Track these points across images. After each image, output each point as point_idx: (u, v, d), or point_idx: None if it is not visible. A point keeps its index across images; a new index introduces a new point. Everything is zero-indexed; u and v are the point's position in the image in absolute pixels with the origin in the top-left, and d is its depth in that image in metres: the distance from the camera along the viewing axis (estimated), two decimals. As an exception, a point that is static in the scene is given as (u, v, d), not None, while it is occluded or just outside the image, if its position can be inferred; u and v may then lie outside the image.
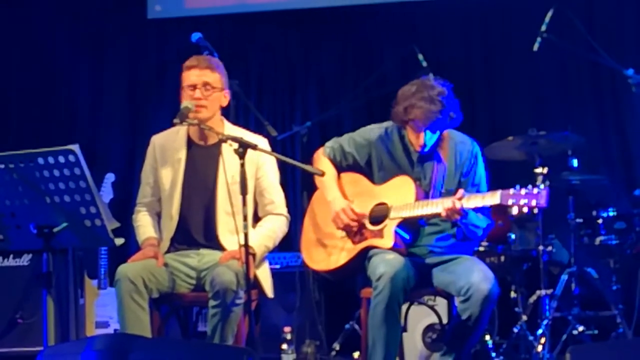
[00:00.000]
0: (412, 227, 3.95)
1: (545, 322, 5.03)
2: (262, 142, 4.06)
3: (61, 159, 3.48)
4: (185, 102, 3.99)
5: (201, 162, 4.11)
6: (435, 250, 4.02)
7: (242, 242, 3.64)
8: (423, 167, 4.03)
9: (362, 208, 4.03)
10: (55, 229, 3.59)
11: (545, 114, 6.17)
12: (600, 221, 5.30)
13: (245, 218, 3.62)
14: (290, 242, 5.36)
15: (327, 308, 5.54)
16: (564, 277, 5.18)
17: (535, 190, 3.63)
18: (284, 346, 5.21)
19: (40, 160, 3.49)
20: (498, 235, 5.29)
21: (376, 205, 4.01)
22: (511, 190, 3.68)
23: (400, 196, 3.93)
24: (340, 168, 4.17)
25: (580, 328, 5.06)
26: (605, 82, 6.21)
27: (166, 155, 4.13)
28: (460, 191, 3.80)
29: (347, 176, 4.17)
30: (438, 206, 3.80)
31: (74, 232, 3.62)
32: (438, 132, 3.97)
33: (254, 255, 3.88)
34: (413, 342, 5.19)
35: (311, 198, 4.30)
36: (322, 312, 5.47)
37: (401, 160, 4.06)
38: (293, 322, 5.43)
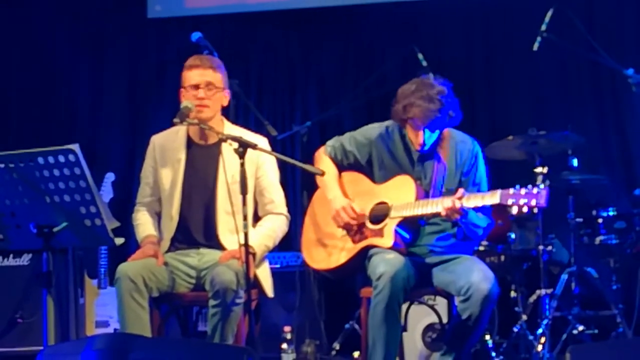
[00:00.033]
0: (412, 226, 3.96)
1: (545, 321, 5.03)
2: (262, 141, 4.06)
3: (61, 159, 3.48)
4: (185, 102, 3.99)
5: (201, 162, 4.11)
6: (435, 249, 4.02)
7: (242, 242, 3.64)
8: (423, 166, 4.03)
9: (363, 207, 4.03)
10: (55, 229, 3.59)
11: (545, 113, 6.17)
12: (600, 221, 5.30)
13: (245, 217, 3.63)
14: (290, 241, 5.36)
15: (327, 308, 5.54)
16: (564, 276, 5.18)
17: (535, 190, 3.63)
18: (284, 346, 5.21)
19: (40, 160, 3.49)
20: (498, 235, 5.29)
21: (376, 205, 4.01)
22: (511, 190, 3.68)
23: (401, 195, 3.93)
24: (341, 167, 4.18)
25: (580, 328, 5.06)
26: (605, 82, 6.21)
27: (166, 155, 4.13)
28: (460, 191, 3.80)
29: (347, 175, 4.17)
30: (438, 206, 3.80)
31: (74, 232, 3.62)
32: (438, 131, 3.97)
33: (254, 254, 3.88)
34: (413, 341, 5.19)
35: (311, 198, 4.30)
36: (322, 311, 5.47)
37: (402, 159, 4.06)
38: (293, 321, 5.43)
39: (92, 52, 6.81)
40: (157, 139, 4.20)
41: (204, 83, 4.04)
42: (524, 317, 5.20)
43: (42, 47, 6.74)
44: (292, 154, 6.24)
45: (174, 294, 4.00)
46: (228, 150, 3.89)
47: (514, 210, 3.68)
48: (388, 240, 3.89)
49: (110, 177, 5.75)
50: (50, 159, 3.49)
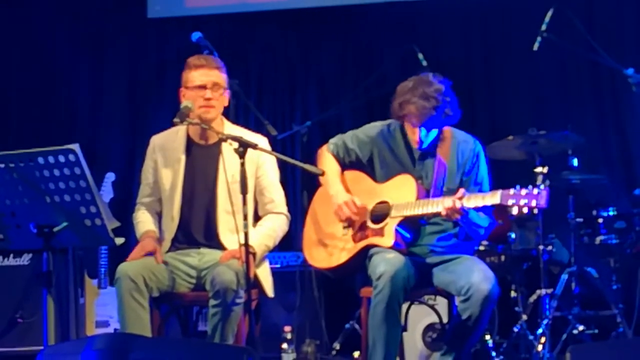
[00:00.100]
0: (413, 226, 3.96)
1: (545, 321, 5.03)
2: (261, 141, 4.06)
3: (61, 159, 3.48)
4: (185, 102, 3.99)
5: (201, 162, 4.11)
6: (436, 249, 4.02)
7: (243, 241, 3.64)
8: (424, 165, 4.03)
9: (364, 211, 4.03)
10: (56, 229, 3.59)
11: (545, 113, 6.17)
12: (600, 220, 5.30)
13: (245, 217, 3.63)
14: (290, 241, 5.37)
15: (327, 307, 5.54)
16: (564, 276, 5.18)
17: (536, 191, 3.63)
18: (284, 345, 5.21)
19: (41, 160, 3.49)
20: (498, 235, 5.29)
21: (377, 204, 4.01)
22: (511, 191, 3.68)
23: (402, 195, 3.93)
24: (343, 165, 4.18)
25: (581, 327, 5.06)
26: (605, 82, 6.21)
27: (166, 155, 4.13)
28: (461, 190, 3.80)
29: (349, 174, 4.18)
30: (439, 205, 3.80)
31: (74, 232, 3.62)
32: (436, 130, 3.97)
33: (254, 254, 3.88)
34: (413, 341, 5.19)
35: (311, 197, 4.31)
36: (322, 311, 5.47)
37: (403, 157, 4.07)
38: (293, 321, 5.43)
39: (92, 52, 6.81)
40: (156, 139, 4.20)
41: (211, 83, 4.03)
42: (524, 317, 5.20)
43: (42, 47, 6.74)
44: (292, 154, 6.24)
45: (175, 294, 4.00)
46: (228, 150, 3.89)
47: (514, 210, 3.68)
48: (388, 239, 3.89)
49: (110, 177, 5.75)
50: (50, 159, 3.49)
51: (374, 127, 4.16)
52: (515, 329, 5.16)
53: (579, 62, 6.15)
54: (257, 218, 4.15)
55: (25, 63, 6.75)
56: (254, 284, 3.89)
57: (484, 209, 3.85)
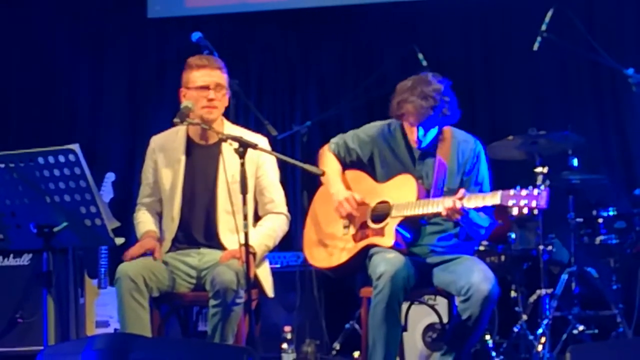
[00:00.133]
0: (413, 226, 3.96)
1: (545, 321, 5.03)
2: (261, 141, 4.06)
3: (61, 159, 3.48)
4: (186, 102, 3.99)
5: (201, 162, 4.11)
6: (436, 249, 4.02)
7: (243, 241, 3.64)
8: (425, 164, 4.03)
9: (364, 208, 4.03)
10: (56, 229, 3.59)
11: (545, 113, 6.17)
12: (600, 221, 5.30)
13: (245, 217, 3.63)
14: (290, 241, 5.38)
15: (327, 307, 5.54)
16: (564, 276, 5.18)
17: (536, 192, 3.63)
18: (284, 345, 5.21)
19: (41, 160, 3.49)
20: (498, 235, 5.29)
21: (378, 204, 4.01)
22: (511, 191, 3.67)
23: (402, 195, 3.94)
24: (344, 164, 4.18)
25: (581, 327, 5.06)
26: (605, 82, 6.21)
27: (166, 155, 4.13)
28: (461, 191, 3.80)
29: (350, 173, 4.18)
30: (439, 205, 3.80)
31: (74, 232, 3.62)
32: (436, 129, 3.97)
33: (254, 254, 3.88)
34: (413, 341, 5.19)
35: (311, 198, 4.31)
36: (322, 311, 5.47)
37: (403, 157, 4.07)
38: (293, 321, 5.43)
39: (92, 52, 6.81)
40: (156, 140, 4.19)
41: (214, 84, 4.03)
42: (524, 317, 5.20)
43: (42, 47, 6.74)
44: (292, 154, 6.23)
45: (175, 294, 4.00)
46: (228, 150, 3.89)
47: (515, 211, 3.68)
48: (389, 239, 3.89)
49: (110, 177, 5.75)
50: (50, 159, 3.49)
51: (374, 127, 4.16)
52: (515, 329, 5.16)
53: (579, 62, 6.15)
54: (257, 218, 4.15)
55: (25, 63, 6.75)
56: (254, 284, 3.89)
57: (484, 209, 3.85)
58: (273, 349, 5.22)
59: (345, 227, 4.08)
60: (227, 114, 4.24)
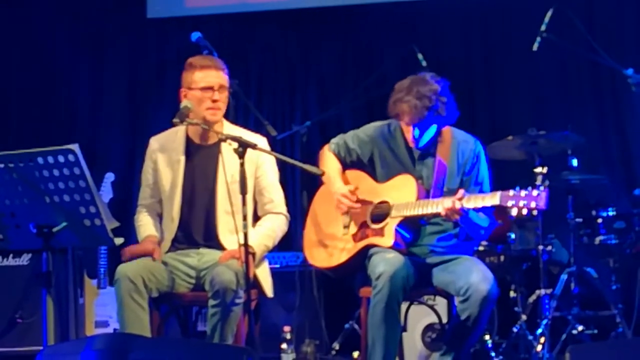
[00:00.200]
0: (413, 226, 3.96)
1: (544, 321, 5.03)
2: (261, 141, 4.06)
3: (61, 159, 3.48)
4: (185, 102, 3.98)
5: (201, 162, 4.10)
6: (436, 249, 4.03)
7: (242, 242, 3.64)
8: (424, 165, 4.03)
9: (364, 205, 4.03)
10: (55, 229, 3.59)
11: (545, 113, 6.17)
12: (599, 221, 5.30)
13: (244, 217, 3.63)
14: (289, 241, 5.37)
15: (326, 307, 5.54)
16: (564, 276, 5.18)
17: (535, 192, 3.62)
18: (284, 346, 5.21)
19: (40, 160, 3.49)
20: (498, 235, 5.29)
21: (378, 204, 4.01)
22: (511, 192, 3.67)
23: (402, 195, 3.94)
24: (344, 165, 4.19)
25: (580, 328, 5.07)
26: (605, 82, 6.21)
27: (165, 156, 4.13)
28: (461, 191, 3.80)
29: (350, 173, 4.18)
30: (438, 206, 3.80)
31: (74, 232, 3.62)
32: (434, 129, 3.96)
33: (253, 254, 3.88)
34: (413, 341, 5.19)
35: (311, 198, 4.31)
36: (321, 311, 5.47)
37: (403, 157, 4.07)
38: (293, 321, 5.43)
39: (92, 52, 6.81)
40: (156, 140, 4.19)
41: (217, 85, 4.03)
42: (524, 317, 5.20)
43: (42, 47, 6.74)
44: (292, 154, 6.24)
45: (174, 294, 4.00)
46: (228, 150, 3.89)
47: (514, 211, 3.68)
48: (388, 239, 3.90)
49: (110, 177, 5.75)
50: (50, 159, 3.48)
51: (374, 127, 4.16)
52: (515, 329, 5.16)
53: (579, 62, 6.15)
54: (256, 218, 4.15)
55: (25, 63, 6.75)
56: (253, 284, 3.89)
57: (483, 210, 3.85)
58: (272, 349, 5.22)
59: (345, 227, 4.08)
60: (226, 114, 4.24)
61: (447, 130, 4.07)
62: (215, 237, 4.04)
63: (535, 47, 4.96)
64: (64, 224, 3.58)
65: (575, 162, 5.33)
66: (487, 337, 5.07)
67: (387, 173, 4.07)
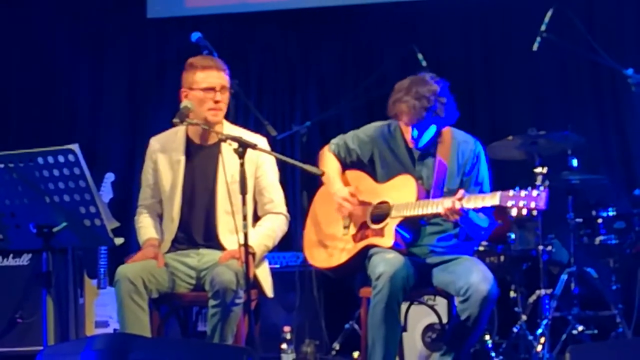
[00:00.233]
0: (413, 226, 3.96)
1: (544, 321, 5.03)
2: (261, 141, 4.06)
3: (61, 159, 3.48)
4: (185, 102, 3.98)
5: (201, 162, 4.10)
6: (436, 250, 4.03)
7: (242, 242, 3.64)
8: (424, 165, 4.03)
9: (365, 206, 4.03)
10: (55, 229, 3.59)
11: (545, 114, 6.17)
12: (599, 221, 5.30)
13: (244, 217, 3.62)
14: (289, 241, 5.37)
15: (327, 308, 5.54)
16: (564, 276, 5.18)
17: (535, 193, 3.62)
18: (284, 346, 5.21)
19: (40, 160, 3.49)
20: (498, 235, 5.29)
21: (378, 204, 4.01)
22: (511, 192, 3.67)
23: (402, 195, 3.94)
24: (344, 165, 4.19)
25: (580, 328, 5.07)
26: (605, 82, 6.21)
27: (166, 156, 4.12)
28: (461, 191, 3.80)
29: (350, 173, 4.19)
30: (438, 206, 3.80)
31: (74, 232, 3.62)
32: (433, 130, 3.96)
33: (253, 254, 3.88)
34: (413, 341, 5.19)
35: (311, 198, 4.31)
36: (322, 311, 5.47)
37: (403, 157, 4.07)
38: (293, 321, 5.43)
39: (92, 52, 6.81)
40: (156, 141, 4.19)
41: (219, 86, 4.03)
42: (524, 317, 5.20)
43: (42, 47, 6.74)
44: (292, 154, 6.24)
45: (174, 295, 4.00)
46: (228, 150, 3.89)
47: (514, 212, 3.69)
48: (388, 240, 3.90)
49: (110, 177, 5.75)
50: (50, 159, 3.48)
51: (374, 127, 4.16)
52: (515, 329, 5.16)
53: (579, 62, 6.15)
54: (256, 218, 4.15)
55: (25, 63, 6.75)
56: (253, 284, 3.89)
57: (483, 210, 3.85)
58: (272, 349, 5.22)
59: (345, 227, 4.08)
60: (226, 114, 4.23)
61: (447, 130, 4.07)
62: (215, 237, 4.04)
63: (535, 47, 4.96)
64: (64, 224, 3.58)
65: (575, 162, 5.33)
66: (487, 337, 5.07)
67: (387, 173, 4.07)
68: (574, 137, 5.24)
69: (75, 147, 3.48)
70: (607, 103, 6.25)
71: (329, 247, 4.11)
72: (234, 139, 3.73)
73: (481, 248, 5.31)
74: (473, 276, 3.78)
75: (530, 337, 5.06)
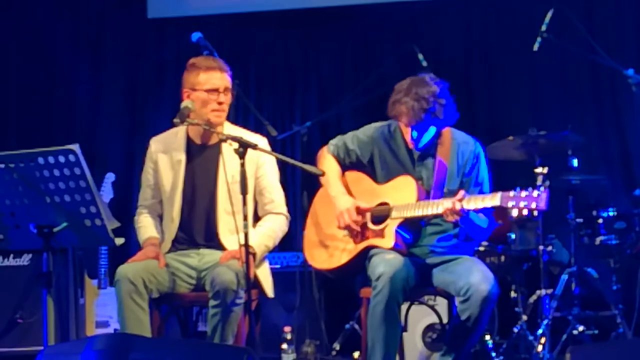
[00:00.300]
0: (413, 227, 3.96)
1: (545, 322, 5.03)
2: (261, 141, 4.06)
3: (61, 159, 3.48)
4: (186, 102, 3.98)
5: (201, 162, 4.10)
6: (436, 250, 4.02)
7: (242, 242, 3.64)
8: (424, 166, 4.03)
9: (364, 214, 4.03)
10: (55, 229, 3.59)
11: (545, 114, 6.17)
12: (600, 221, 5.30)
13: (245, 217, 3.63)
14: (290, 241, 5.37)
15: (327, 308, 5.54)
16: (564, 277, 5.18)
17: (536, 193, 3.62)
18: (284, 346, 5.21)
19: (40, 160, 3.49)
20: (498, 235, 5.29)
21: (378, 205, 4.01)
22: (511, 193, 3.67)
23: (402, 196, 3.94)
24: (344, 166, 4.18)
25: (580, 328, 5.07)
26: (605, 82, 6.21)
27: (166, 156, 4.12)
28: (461, 192, 3.80)
29: (350, 175, 4.18)
30: (439, 207, 3.80)
31: (74, 232, 3.62)
32: (433, 131, 3.96)
33: (254, 254, 3.88)
34: (413, 341, 5.19)
35: (312, 198, 4.31)
36: (322, 312, 5.47)
37: (403, 158, 4.06)
38: (293, 321, 5.43)
39: (92, 52, 6.81)
40: (156, 141, 4.19)
41: (223, 87, 4.03)
42: (524, 317, 5.21)
43: (42, 47, 6.73)
44: (292, 154, 6.24)
45: (175, 295, 4.00)
46: (228, 150, 3.89)
47: (514, 212, 3.69)
48: (389, 241, 3.89)
49: (110, 177, 5.75)
50: (50, 159, 3.48)
51: (374, 128, 4.16)
52: (515, 330, 5.16)
53: (579, 62, 6.15)
54: (256, 218, 4.15)
55: (26, 63, 6.74)
56: (253, 284, 3.89)
57: (483, 210, 3.85)
58: (273, 350, 5.22)
59: (345, 235, 4.07)
60: (227, 115, 4.23)
61: (447, 131, 4.07)
62: (215, 238, 4.04)
63: (535, 47, 4.95)
64: (65, 224, 3.58)
65: (575, 163, 5.33)
66: (487, 337, 5.07)
67: (387, 174, 4.07)
68: (574, 137, 5.23)
69: (75, 147, 3.47)
70: (607, 103, 6.25)
71: (329, 247, 4.10)
72: (235, 139, 3.73)
73: (481, 248, 5.31)
74: (473, 276, 3.78)
75: (531, 337, 5.06)
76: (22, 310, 4.86)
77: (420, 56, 5.31)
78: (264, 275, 4.07)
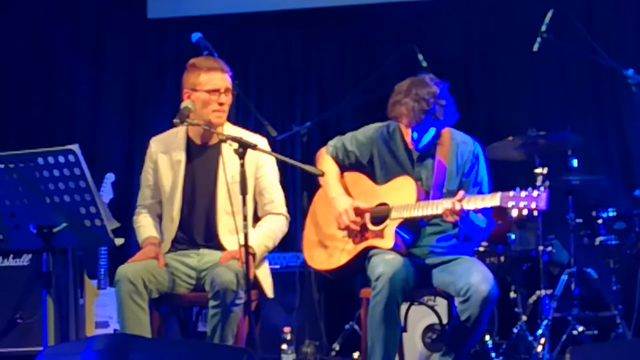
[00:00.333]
0: (412, 227, 3.95)
1: (545, 322, 5.04)
2: (261, 141, 4.06)
3: (61, 159, 3.48)
4: (186, 102, 3.98)
5: (201, 163, 4.10)
6: (436, 250, 4.02)
7: (242, 242, 3.64)
8: (424, 166, 4.03)
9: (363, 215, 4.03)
10: (55, 229, 3.59)
11: (545, 114, 6.18)
12: (600, 221, 5.30)
13: (245, 218, 3.63)
14: (290, 242, 5.36)
15: (327, 308, 5.54)
16: (564, 277, 5.18)
17: (535, 193, 3.62)
18: (284, 346, 5.21)
19: (40, 160, 3.49)
20: (498, 236, 5.29)
21: (377, 206, 4.01)
22: (511, 193, 3.67)
23: (401, 196, 3.93)
24: (343, 167, 4.18)
25: (580, 328, 5.07)
26: (605, 82, 6.21)
27: (166, 157, 4.12)
28: (461, 193, 3.80)
29: (349, 175, 4.18)
30: (438, 207, 3.80)
31: (74, 232, 3.61)
32: (433, 131, 3.96)
33: (253, 255, 3.88)
34: (413, 342, 5.19)
35: (311, 198, 4.30)
36: (322, 312, 5.47)
37: (402, 159, 4.06)
38: (293, 322, 5.43)
39: (92, 52, 6.81)
40: (156, 141, 4.19)
41: (224, 88, 4.03)
42: (524, 317, 5.21)
43: (42, 47, 6.74)
44: (292, 155, 6.24)
45: (174, 295, 4.00)
46: (228, 150, 3.89)
47: (514, 212, 3.69)
48: (388, 241, 3.89)
49: (110, 177, 5.75)
50: (50, 160, 3.48)
51: (373, 129, 4.16)
52: (515, 330, 5.17)
53: (579, 62, 6.15)
54: (256, 219, 4.15)
55: (26, 63, 6.75)
56: (253, 284, 3.89)
57: (482, 211, 3.85)
58: (272, 350, 5.22)
59: (344, 236, 4.07)
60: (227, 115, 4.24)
61: (446, 131, 4.06)
62: (215, 238, 4.04)
63: (535, 47, 4.95)
64: (64, 224, 3.58)
65: (575, 163, 5.33)
66: (487, 337, 5.07)
67: (386, 175, 4.07)
68: (574, 137, 5.23)
69: (75, 147, 3.47)
70: (607, 103, 6.25)
71: (328, 247, 4.10)
72: (235, 139, 3.73)
73: (481, 248, 5.31)
74: (473, 277, 3.77)
75: (531, 338, 5.06)
76: (22, 310, 4.86)
77: (420, 56, 5.31)
78: (264, 275, 4.07)
